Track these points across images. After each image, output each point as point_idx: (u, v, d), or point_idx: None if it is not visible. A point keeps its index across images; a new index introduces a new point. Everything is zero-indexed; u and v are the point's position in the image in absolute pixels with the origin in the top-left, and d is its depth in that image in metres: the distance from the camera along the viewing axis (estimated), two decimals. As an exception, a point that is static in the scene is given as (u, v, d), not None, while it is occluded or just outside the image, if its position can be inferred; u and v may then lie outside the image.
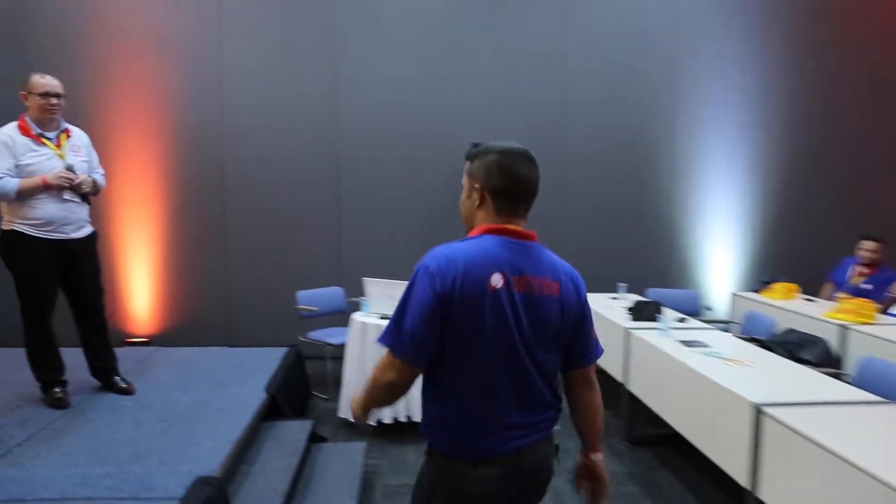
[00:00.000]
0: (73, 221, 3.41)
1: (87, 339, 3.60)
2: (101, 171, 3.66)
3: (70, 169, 3.35)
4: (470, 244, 1.63)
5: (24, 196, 3.24)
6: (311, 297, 5.11)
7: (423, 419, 1.71)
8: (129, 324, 5.68)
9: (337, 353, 4.70)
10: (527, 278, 1.61)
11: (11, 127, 3.31)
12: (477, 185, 1.67)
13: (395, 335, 1.58)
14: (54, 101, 3.33)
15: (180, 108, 5.62)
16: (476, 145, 1.74)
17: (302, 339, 4.95)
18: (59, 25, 5.45)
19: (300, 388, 4.51)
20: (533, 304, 1.61)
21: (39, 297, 3.37)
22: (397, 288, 4.25)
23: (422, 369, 1.62)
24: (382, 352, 1.64)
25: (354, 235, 5.77)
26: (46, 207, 3.30)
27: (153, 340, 5.61)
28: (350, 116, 5.71)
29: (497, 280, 1.58)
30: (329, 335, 4.86)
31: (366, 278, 4.40)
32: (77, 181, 3.35)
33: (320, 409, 4.64)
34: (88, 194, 3.45)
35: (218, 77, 5.60)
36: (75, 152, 3.46)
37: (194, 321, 5.73)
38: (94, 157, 3.62)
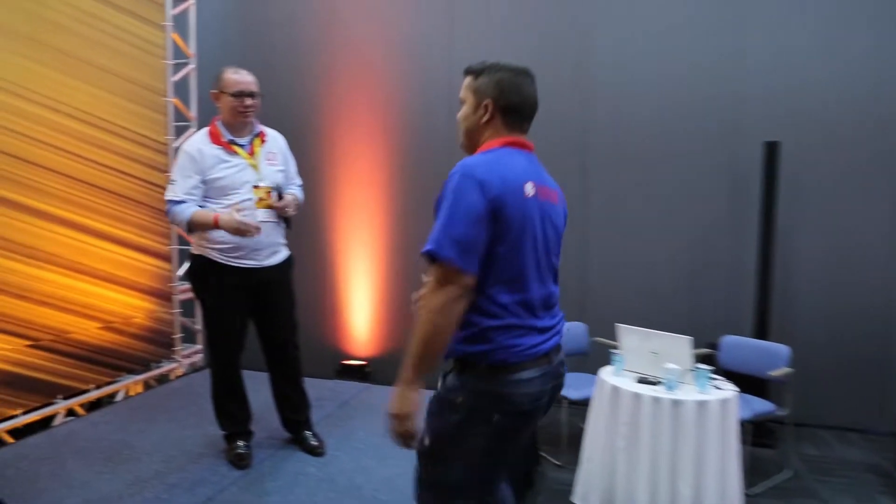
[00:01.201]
0: (266, 246, 2.84)
1: (279, 386, 3.05)
2: (299, 181, 3.07)
3: (278, 189, 2.79)
4: (499, 154, 1.67)
5: (196, 229, 2.74)
6: (544, 335, 4.15)
7: (457, 335, 1.63)
8: (347, 343, 5.24)
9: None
10: (544, 188, 1.72)
11: (202, 135, 2.82)
12: (486, 102, 1.72)
13: (448, 246, 1.54)
14: (248, 101, 2.78)
15: (408, 113, 5.02)
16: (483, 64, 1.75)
17: (532, 384, 4.02)
18: (291, 26, 5.19)
19: (525, 452, 3.57)
20: (549, 211, 1.72)
21: (227, 334, 2.87)
22: (662, 341, 3.12)
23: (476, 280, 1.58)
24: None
25: (604, 256, 4.68)
26: None
27: (371, 364, 5.11)
28: (600, 108, 4.62)
29: (530, 189, 1.65)
30: (566, 385, 3.85)
31: (621, 325, 3.31)
32: (280, 205, 2.79)
33: (550, 479, 3.67)
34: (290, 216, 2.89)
35: (447, 77, 4.88)
36: (270, 160, 2.90)
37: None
38: (292, 164, 3.04)
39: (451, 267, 1.54)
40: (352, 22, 5.07)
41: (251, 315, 2.94)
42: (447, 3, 4.86)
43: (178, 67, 4.67)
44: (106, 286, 4.06)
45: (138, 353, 4.32)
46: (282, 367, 3.03)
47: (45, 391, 3.69)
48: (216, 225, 2.68)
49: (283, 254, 2.96)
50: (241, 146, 2.83)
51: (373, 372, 4.97)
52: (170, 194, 2.78)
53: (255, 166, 2.83)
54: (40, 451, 3.02)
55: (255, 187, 2.81)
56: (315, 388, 3.61)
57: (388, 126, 5.06)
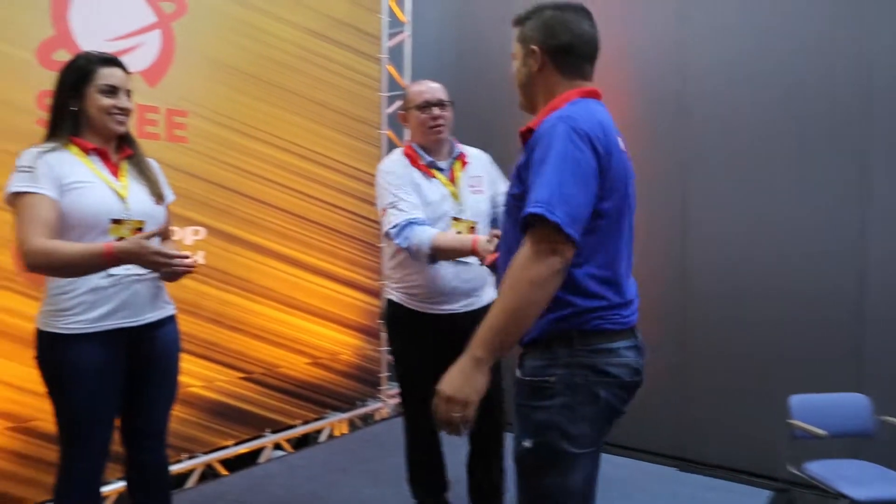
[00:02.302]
0: (466, 292, 2.43)
1: (473, 451, 2.62)
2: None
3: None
4: (586, 105, 1.47)
5: (440, 258, 2.24)
6: (813, 408, 3.24)
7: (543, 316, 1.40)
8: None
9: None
10: (622, 142, 1.52)
11: (398, 156, 2.47)
12: (534, 48, 1.53)
13: (560, 207, 1.30)
14: (436, 111, 2.39)
15: (635, 119, 4.42)
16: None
17: (794, 470, 3.15)
18: (507, 52, 4.89)
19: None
20: (631, 171, 1.54)
21: (423, 398, 2.50)
22: None
23: None
24: None
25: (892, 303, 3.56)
26: (433, 272, 2.34)
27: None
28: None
29: (622, 144, 1.51)
30: (843, 476, 2.93)
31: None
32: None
33: None
34: None
35: (678, 84, 4.20)
36: (474, 187, 2.50)
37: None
38: (502, 183, 2.59)
39: (560, 234, 1.30)
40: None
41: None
42: (677, 3, 4.20)
43: (391, 100, 4.61)
44: (316, 321, 4.02)
45: (344, 391, 4.21)
46: (478, 435, 2.58)
47: (255, 424, 3.69)
48: (474, 250, 2.11)
49: (487, 296, 2.52)
50: (441, 170, 2.48)
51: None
52: (397, 218, 2.28)
53: (455, 195, 2.46)
54: (236, 493, 2.94)
55: (455, 219, 2.45)
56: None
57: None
